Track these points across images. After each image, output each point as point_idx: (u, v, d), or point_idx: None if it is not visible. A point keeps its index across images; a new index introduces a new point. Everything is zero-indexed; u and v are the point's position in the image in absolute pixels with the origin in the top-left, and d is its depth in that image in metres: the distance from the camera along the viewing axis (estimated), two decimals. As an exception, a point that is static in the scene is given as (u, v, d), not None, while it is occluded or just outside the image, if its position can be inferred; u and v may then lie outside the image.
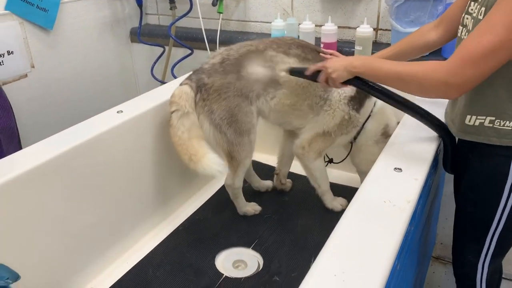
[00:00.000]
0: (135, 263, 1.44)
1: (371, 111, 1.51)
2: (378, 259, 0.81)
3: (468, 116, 1.11)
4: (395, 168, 1.06)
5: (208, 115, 1.41)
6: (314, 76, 1.27)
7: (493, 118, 1.08)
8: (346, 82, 1.19)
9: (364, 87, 1.20)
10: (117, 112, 1.46)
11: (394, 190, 0.99)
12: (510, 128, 1.06)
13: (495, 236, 1.17)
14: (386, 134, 1.51)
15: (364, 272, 0.78)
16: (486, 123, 1.09)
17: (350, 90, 1.44)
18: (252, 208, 1.66)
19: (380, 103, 1.49)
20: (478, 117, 1.10)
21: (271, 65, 1.41)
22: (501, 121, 1.07)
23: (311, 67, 1.28)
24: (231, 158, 1.48)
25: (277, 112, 1.47)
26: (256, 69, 1.41)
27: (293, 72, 1.37)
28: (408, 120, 1.29)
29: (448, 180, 1.54)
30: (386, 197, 0.96)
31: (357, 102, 1.46)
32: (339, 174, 1.82)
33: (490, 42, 0.94)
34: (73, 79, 2.17)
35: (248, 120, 1.44)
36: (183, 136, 1.40)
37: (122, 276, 1.39)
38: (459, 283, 1.36)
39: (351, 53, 1.81)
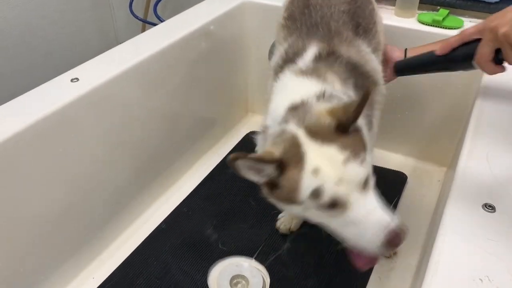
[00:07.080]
0: (105, 277, 1.12)
1: None
2: None
3: None
4: (486, 205, 0.69)
5: None
6: (465, 55, 0.85)
7: None
8: None
9: None
10: (71, 80, 1.05)
11: (489, 256, 0.62)
12: None
13: None
14: None
15: None
16: None
17: None
18: None
19: None
20: None
21: None
22: None
23: (451, 40, 0.87)
24: None
25: None
26: None
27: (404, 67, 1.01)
28: (497, 113, 0.88)
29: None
30: (478, 271, 0.60)
31: None
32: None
33: None
34: (36, 13, 1.76)
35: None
36: None
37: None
38: None
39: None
